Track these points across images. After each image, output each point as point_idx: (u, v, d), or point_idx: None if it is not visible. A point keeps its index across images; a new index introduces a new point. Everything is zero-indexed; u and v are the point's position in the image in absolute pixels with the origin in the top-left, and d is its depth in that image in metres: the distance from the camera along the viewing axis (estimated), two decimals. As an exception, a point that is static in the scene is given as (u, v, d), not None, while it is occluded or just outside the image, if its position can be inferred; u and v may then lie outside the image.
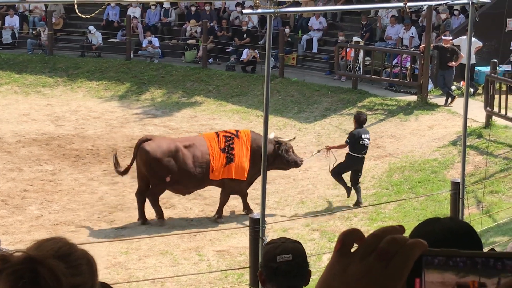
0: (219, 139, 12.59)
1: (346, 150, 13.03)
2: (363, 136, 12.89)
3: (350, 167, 13.01)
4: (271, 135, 12.38)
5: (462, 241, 1.90)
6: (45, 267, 1.55)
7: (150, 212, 12.60)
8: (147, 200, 12.48)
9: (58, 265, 1.57)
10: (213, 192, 13.99)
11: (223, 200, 12.75)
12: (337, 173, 13.03)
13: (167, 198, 13.70)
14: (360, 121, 13.08)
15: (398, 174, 14.15)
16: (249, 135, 12.77)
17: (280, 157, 12.81)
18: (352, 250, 1.04)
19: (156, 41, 23.01)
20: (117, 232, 12.30)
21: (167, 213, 13.00)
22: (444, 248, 1.80)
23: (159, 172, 12.19)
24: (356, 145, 12.83)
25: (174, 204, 13.43)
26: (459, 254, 1.02)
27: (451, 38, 17.63)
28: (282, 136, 16.87)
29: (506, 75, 17.78)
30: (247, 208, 12.73)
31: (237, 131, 12.99)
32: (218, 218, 12.69)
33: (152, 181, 12.39)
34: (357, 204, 12.90)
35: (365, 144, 12.94)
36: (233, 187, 12.64)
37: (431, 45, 17.92)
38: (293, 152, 13.10)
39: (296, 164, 13.08)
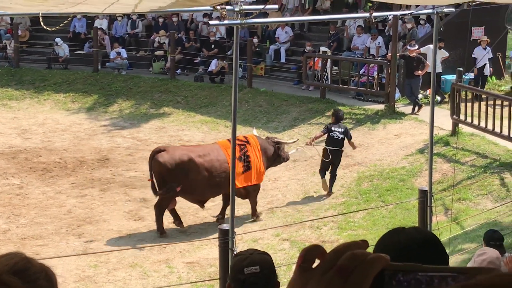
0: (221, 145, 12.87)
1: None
2: (333, 128, 13.71)
3: (327, 161, 13.79)
4: (254, 131, 13.71)
5: (426, 251, 1.90)
6: (0, 283, 1.52)
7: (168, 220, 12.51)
8: (166, 211, 12.45)
9: (14, 281, 1.54)
10: (182, 204, 13.94)
11: (253, 202, 13.08)
12: (321, 170, 13.91)
13: (136, 210, 13.63)
14: (337, 117, 13.95)
15: (366, 183, 14.22)
16: (256, 139, 13.15)
17: (279, 156, 13.39)
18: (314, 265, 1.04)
19: (123, 52, 22.93)
20: (85, 245, 12.18)
21: (135, 226, 12.92)
22: (409, 258, 1.80)
23: (170, 183, 12.20)
24: (328, 138, 13.75)
25: (143, 216, 13.34)
26: (422, 269, 1.02)
27: (416, 47, 17.80)
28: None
29: (472, 83, 18.01)
30: (255, 213, 13.16)
31: (245, 137, 13.13)
32: (257, 218, 13.06)
33: (162, 191, 12.30)
34: (329, 193, 13.83)
35: (335, 137, 13.69)
36: (254, 189, 13.02)
37: (398, 54, 18.09)
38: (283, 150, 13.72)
39: (287, 159, 13.76)
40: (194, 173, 12.24)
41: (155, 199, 14.01)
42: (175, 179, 12.16)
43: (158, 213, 12.36)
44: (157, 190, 12.24)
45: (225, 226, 7.22)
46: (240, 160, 12.38)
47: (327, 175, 13.90)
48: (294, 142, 14.47)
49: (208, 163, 12.39)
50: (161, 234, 12.36)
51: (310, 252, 1.04)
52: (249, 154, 12.73)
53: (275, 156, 13.27)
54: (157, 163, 12.19)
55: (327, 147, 13.64)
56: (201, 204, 12.89)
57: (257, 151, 12.90)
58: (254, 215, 13.07)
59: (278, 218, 13.20)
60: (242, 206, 13.54)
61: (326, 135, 13.82)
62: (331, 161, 13.71)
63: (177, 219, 12.58)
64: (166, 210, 12.42)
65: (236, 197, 8.16)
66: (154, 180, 12.34)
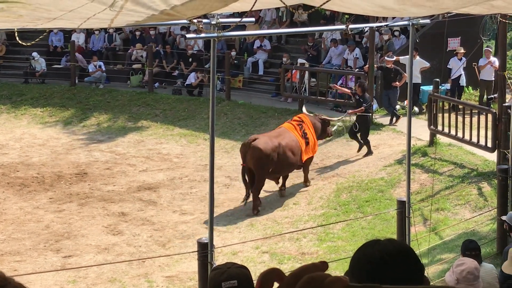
0: (295, 127, 14.71)
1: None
2: (361, 100, 16.01)
3: (368, 127, 16.15)
4: (303, 109, 16.35)
5: (400, 263, 1.91)
6: None
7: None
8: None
9: None
10: (161, 218, 13.91)
11: (307, 172, 14.94)
12: (366, 138, 15.91)
13: (114, 224, 13.55)
14: (364, 88, 16.27)
15: (345, 194, 14.26)
16: (306, 117, 15.21)
17: (324, 131, 15.51)
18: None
19: (102, 66, 22.87)
20: (64, 260, 12.08)
21: (114, 240, 12.84)
22: (384, 270, 1.80)
23: (266, 166, 13.76)
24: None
25: (121, 230, 13.27)
26: None
27: (394, 58, 17.92)
28: (232, 156, 16.89)
29: (448, 94, 18.14)
30: (307, 180, 14.96)
31: (299, 117, 15.17)
32: (308, 183, 14.91)
33: (258, 174, 13.82)
34: (369, 153, 15.88)
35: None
36: (309, 161, 14.91)
37: (375, 65, 18.19)
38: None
39: (330, 135, 16.18)
40: (282, 155, 13.97)
41: (133, 213, 13.99)
42: (271, 162, 13.79)
43: (255, 195, 13.91)
44: (246, 177, 13.94)
45: (204, 239, 7.20)
46: (302, 137, 14.54)
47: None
48: (339, 120, 16.39)
49: (288, 144, 14.14)
50: (257, 212, 13.89)
51: (267, 276, 1.03)
52: (306, 131, 14.70)
53: (321, 131, 15.29)
54: (256, 149, 13.68)
55: (366, 114, 15.99)
56: (277, 180, 14.65)
57: (310, 126, 14.87)
58: (307, 182, 14.89)
59: (257, 230, 13.18)
60: (221, 219, 13.53)
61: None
62: (358, 130, 15.89)
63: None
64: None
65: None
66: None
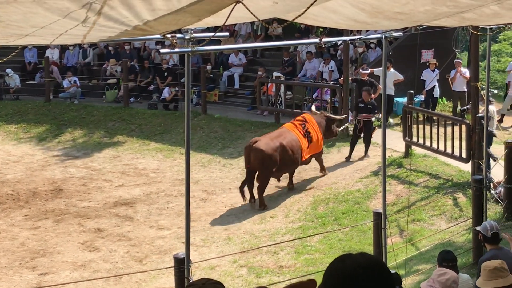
0: (297, 127, 15.35)
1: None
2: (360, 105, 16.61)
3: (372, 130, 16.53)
4: (312, 107, 16.76)
5: (372, 276, 1.92)
6: None
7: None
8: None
9: None
10: (138, 233, 13.84)
11: (321, 162, 15.85)
12: (369, 141, 16.42)
13: (91, 241, 13.46)
14: (370, 93, 16.67)
15: (322, 206, 14.28)
16: (311, 116, 15.83)
17: (330, 129, 16.09)
18: None
19: (77, 81, 22.78)
20: (40, 278, 11.96)
21: (91, 257, 12.75)
22: (355, 284, 1.82)
23: (270, 166, 14.47)
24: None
25: (98, 246, 13.18)
26: None
27: (368, 71, 18.04)
28: (209, 170, 16.87)
29: (423, 105, 18.27)
30: (324, 169, 15.86)
31: (303, 116, 15.79)
32: (325, 172, 15.78)
33: (262, 174, 14.54)
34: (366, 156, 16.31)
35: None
36: (320, 155, 15.74)
37: (350, 78, 18.29)
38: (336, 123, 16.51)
39: (336, 134, 16.52)
40: (284, 154, 14.65)
41: (110, 229, 13.91)
42: (273, 162, 14.50)
43: (260, 193, 14.56)
44: (248, 177, 14.73)
45: (181, 254, 7.17)
46: (304, 136, 15.19)
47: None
48: (341, 118, 16.77)
49: (289, 144, 14.81)
50: (264, 207, 14.60)
51: None
52: (309, 130, 15.32)
53: (327, 128, 15.91)
54: (258, 151, 14.40)
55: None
56: (278, 178, 15.35)
57: (314, 125, 15.52)
58: (323, 170, 15.80)
59: (235, 244, 13.15)
60: (197, 233, 13.49)
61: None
62: (364, 134, 16.39)
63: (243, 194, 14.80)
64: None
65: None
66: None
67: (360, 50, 20.52)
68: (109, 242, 13.31)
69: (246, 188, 14.80)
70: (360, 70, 18.32)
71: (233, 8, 3.85)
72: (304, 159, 15.24)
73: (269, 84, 20.03)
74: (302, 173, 16.07)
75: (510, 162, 12.18)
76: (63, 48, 24.09)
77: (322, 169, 15.89)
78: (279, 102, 19.62)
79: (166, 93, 21.60)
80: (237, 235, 13.58)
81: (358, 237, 12.55)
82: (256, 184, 14.74)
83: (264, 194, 14.76)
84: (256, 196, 14.74)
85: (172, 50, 6.45)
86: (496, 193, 12.63)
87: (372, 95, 17.59)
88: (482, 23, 8.58)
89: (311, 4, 3.52)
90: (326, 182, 15.42)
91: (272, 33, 22.49)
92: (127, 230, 13.95)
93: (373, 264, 1.94)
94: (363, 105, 16.40)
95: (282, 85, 19.71)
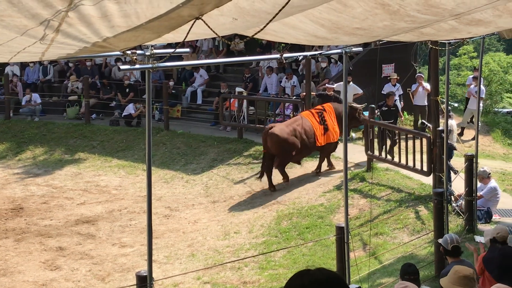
0: (314, 115, 16.17)
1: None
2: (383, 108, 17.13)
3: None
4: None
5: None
6: None
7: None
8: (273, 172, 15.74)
9: None
10: (100, 251, 13.70)
11: (329, 155, 16.48)
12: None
13: (52, 259, 13.28)
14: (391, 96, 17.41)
15: (286, 221, 14.29)
16: (331, 106, 16.46)
17: (354, 118, 16.43)
18: None
19: (37, 98, 22.54)
20: (0, 299, 11.76)
21: (52, 276, 12.57)
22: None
23: (288, 149, 15.51)
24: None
25: (59, 265, 13.00)
26: None
27: (334, 86, 18.14)
28: (172, 186, 16.80)
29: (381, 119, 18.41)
30: (331, 164, 16.48)
31: (322, 106, 16.48)
32: (332, 167, 16.43)
33: (281, 157, 15.58)
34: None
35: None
36: (329, 147, 16.27)
37: (313, 93, 18.37)
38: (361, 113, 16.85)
39: (364, 121, 16.55)
40: (299, 138, 15.60)
41: (71, 248, 13.75)
42: (291, 145, 15.51)
43: (282, 170, 15.80)
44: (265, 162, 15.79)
45: (143, 272, 7.10)
46: (320, 123, 15.98)
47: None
48: (362, 106, 16.96)
49: (303, 129, 15.75)
50: (286, 180, 15.90)
51: None
52: (325, 118, 16.07)
53: (350, 117, 15.74)
54: (274, 135, 15.43)
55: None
56: (299, 162, 16.42)
57: (333, 115, 16.20)
58: (331, 165, 16.42)
59: (198, 260, 13.08)
60: (161, 250, 13.39)
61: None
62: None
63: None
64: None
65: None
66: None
67: (323, 65, 20.65)
68: (71, 261, 13.14)
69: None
70: (327, 84, 18.41)
71: (192, 24, 3.85)
72: (319, 145, 15.96)
73: (232, 100, 20.05)
74: (265, 188, 16.08)
75: (470, 175, 12.34)
76: (23, 65, 23.83)
77: (330, 163, 16.47)
78: (241, 117, 19.64)
79: (131, 109, 21.47)
80: (200, 251, 13.51)
81: (322, 251, 12.57)
82: (275, 171, 15.79)
83: (229, 206, 14.74)
84: (277, 182, 15.82)
85: (132, 67, 6.42)
86: (457, 205, 12.77)
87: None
88: (441, 38, 8.71)
89: (270, 21, 3.53)
90: (290, 197, 15.44)
91: (234, 48, 22.55)
92: (89, 248, 13.80)
93: (331, 279, 1.94)
94: (386, 108, 17.09)
95: (245, 101, 19.74)
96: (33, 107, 22.36)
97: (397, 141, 15.63)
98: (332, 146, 16.37)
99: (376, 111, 16.84)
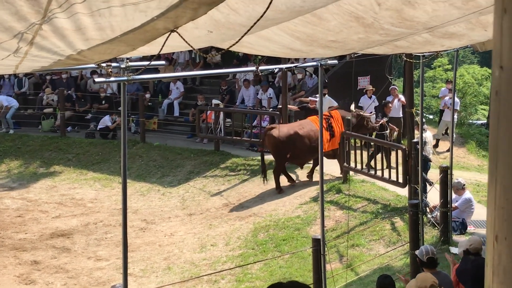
0: (312, 119, 16.30)
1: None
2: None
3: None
4: (352, 107, 16.56)
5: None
6: None
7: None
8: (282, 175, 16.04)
9: None
10: (75, 265, 13.60)
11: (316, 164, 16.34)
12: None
13: (27, 274, 13.15)
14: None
15: (263, 234, 14.28)
16: (339, 114, 16.63)
17: (363, 126, 16.64)
18: None
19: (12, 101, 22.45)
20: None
21: (27, 290, 12.45)
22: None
23: (282, 151, 15.69)
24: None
25: (34, 279, 12.87)
26: None
27: (317, 99, 18.13)
28: (148, 199, 16.73)
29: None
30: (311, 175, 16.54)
31: (329, 113, 16.58)
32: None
33: (276, 158, 15.87)
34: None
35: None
36: (335, 153, 16.35)
37: (295, 107, 18.35)
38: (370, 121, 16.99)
39: (374, 129, 16.93)
40: (298, 142, 15.79)
41: (46, 261, 13.64)
42: (285, 148, 15.70)
43: (276, 176, 15.91)
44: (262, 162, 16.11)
45: (118, 285, 7.04)
46: (327, 130, 16.11)
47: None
48: (371, 114, 17.35)
49: (307, 133, 15.91)
50: (280, 191, 15.93)
51: None
52: (333, 125, 16.25)
53: (359, 126, 16.40)
54: (271, 137, 15.68)
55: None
56: (301, 165, 16.65)
57: (340, 122, 16.38)
58: (310, 177, 16.52)
59: (175, 273, 13.02)
60: (137, 264, 13.31)
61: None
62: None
63: (289, 177, 16.28)
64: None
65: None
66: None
67: (299, 76, 20.71)
68: (46, 275, 13.02)
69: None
70: (310, 98, 18.40)
71: (167, 37, 3.85)
72: (324, 150, 15.77)
73: (209, 112, 20.04)
74: (241, 200, 16.07)
75: (445, 186, 12.43)
76: (-3, 77, 23.68)
77: (342, 170, 16.43)
78: (218, 129, 19.63)
79: (108, 121, 21.37)
80: (177, 264, 13.46)
81: (299, 263, 12.57)
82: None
83: (206, 218, 14.70)
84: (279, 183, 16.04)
85: (107, 79, 6.39)
86: (433, 217, 12.85)
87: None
88: (415, 51, 8.78)
89: (245, 33, 3.54)
90: (266, 209, 15.44)
91: (210, 61, 22.56)
92: (64, 262, 13.68)
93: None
94: (386, 118, 17.50)
95: (222, 113, 19.74)
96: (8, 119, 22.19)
97: (374, 153, 15.71)
98: (337, 152, 16.42)
99: (381, 120, 17.19)
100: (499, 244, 1.53)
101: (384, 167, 15.00)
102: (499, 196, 1.54)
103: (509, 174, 1.50)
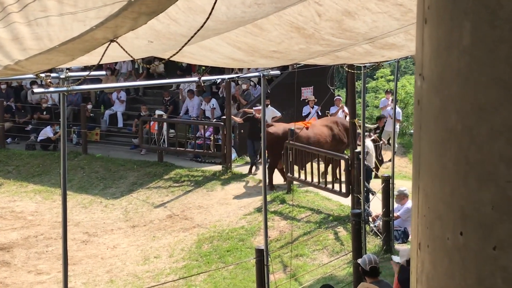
0: (326, 125, 16.58)
1: None
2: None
3: None
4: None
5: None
6: None
7: None
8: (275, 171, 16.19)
9: None
10: (15, 279, 13.32)
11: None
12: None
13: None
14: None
15: (207, 245, 14.22)
16: (344, 123, 16.53)
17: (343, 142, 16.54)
18: None
19: None
20: None
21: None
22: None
23: (276, 149, 15.71)
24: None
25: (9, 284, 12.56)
26: None
27: (261, 108, 18.15)
28: (90, 211, 16.47)
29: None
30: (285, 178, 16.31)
31: (336, 121, 16.94)
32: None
33: (270, 155, 15.75)
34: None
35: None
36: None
37: (239, 119, 18.34)
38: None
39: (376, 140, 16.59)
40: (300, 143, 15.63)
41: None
42: (280, 146, 15.64)
43: (269, 172, 15.62)
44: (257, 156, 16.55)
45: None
46: (331, 135, 16.31)
47: None
48: (374, 126, 17.83)
49: (307, 135, 16.03)
50: (271, 188, 15.78)
51: None
52: (335, 132, 16.51)
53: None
54: (268, 133, 15.45)
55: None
56: (301, 167, 15.86)
57: (342, 129, 16.43)
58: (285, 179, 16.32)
59: (117, 287, 12.86)
60: (78, 277, 13.10)
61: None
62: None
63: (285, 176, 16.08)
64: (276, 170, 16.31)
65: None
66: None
67: (244, 87, 20.73)
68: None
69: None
70: (254, 108, 18.42)
71: (107, 47, 3.80)
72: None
73: (152, 123, 19.89)
74: (185, 211, 15.99)
75: (387, 196, 12.58)
76: None
77: (285, 179, 16.41)
78: (162, 140, 19.50)
79: (49, 132, 21.01)
80: (120, 277, 13.29)
81: (243, 274, 12.55)
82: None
83: (149, 230, 14.57)
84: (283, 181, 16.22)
85: (46, 90, 6.29)
86: (375, 226, 12.99)
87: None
88: (356, 61, 8.88)
89: (186, 43, 3.52)
90: (211, 220, 15.39)
91: (154, 71, 22.43)
92: (3, 276, 13.38)
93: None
94: (379, 130, 17.97)
95: (165, 123, 19.62)
96: None
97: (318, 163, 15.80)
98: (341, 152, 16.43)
99: (375, 134, 17.20)
100: (422, 251, 1.54)
101: (329, 178, 15.12)
102: (421, 204, 1.55)
103: (430, 182, 1.51)
